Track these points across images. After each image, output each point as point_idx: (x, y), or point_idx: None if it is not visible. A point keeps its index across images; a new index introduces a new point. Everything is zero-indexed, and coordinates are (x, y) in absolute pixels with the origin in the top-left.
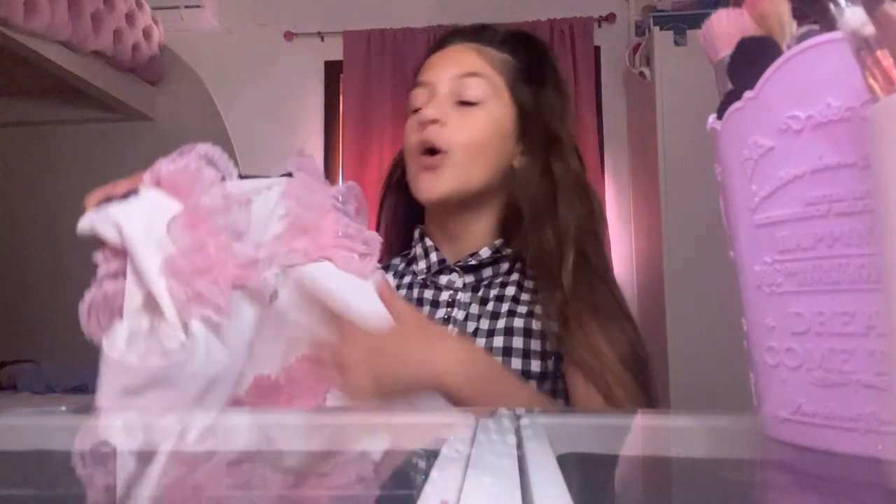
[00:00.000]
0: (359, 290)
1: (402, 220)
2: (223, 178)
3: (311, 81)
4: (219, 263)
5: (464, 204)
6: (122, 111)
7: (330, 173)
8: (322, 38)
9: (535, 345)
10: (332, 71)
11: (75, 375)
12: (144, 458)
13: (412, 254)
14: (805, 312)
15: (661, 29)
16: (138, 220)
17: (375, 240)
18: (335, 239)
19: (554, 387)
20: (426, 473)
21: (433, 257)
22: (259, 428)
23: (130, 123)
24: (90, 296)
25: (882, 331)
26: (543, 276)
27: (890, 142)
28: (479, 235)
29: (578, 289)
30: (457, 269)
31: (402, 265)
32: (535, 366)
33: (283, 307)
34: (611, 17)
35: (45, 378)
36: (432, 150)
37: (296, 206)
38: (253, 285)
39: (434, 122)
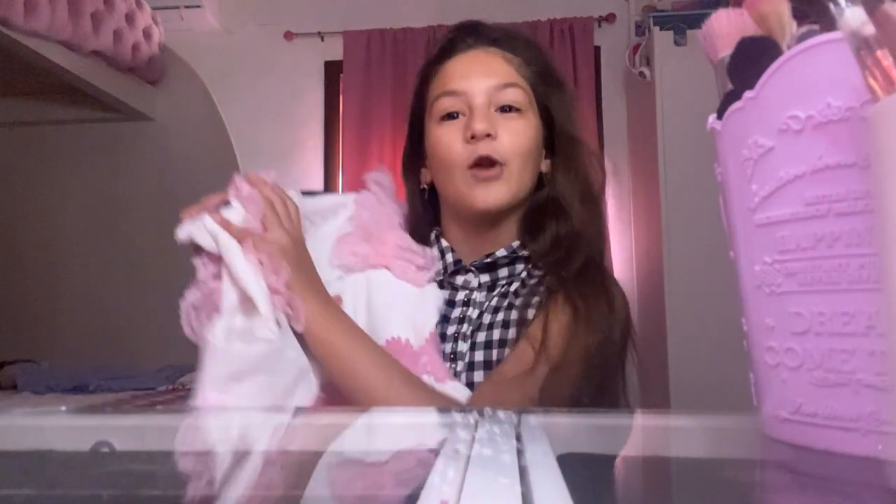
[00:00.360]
0: (410, 295)
1: (420, 227)
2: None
3: (311, 81)
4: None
5: (504, 211)
6: (122, 111)
7: (330, 173)
8: (322, 38)
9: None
10: (332, 71)
11: (75, 375)
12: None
13: (428, 254)
14: (805, 312)
15: (661, 29)
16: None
17: (433, 256)
18: (395, 250)
19: None
20: (426, 473)
21: (449, 258)
22: (259, 428)
23: (130, 123)
24: (191, 296)
25: (882, 331)
26: (551, 272)
27: (890, 142)
28: (502, 238)
29: (580, 284)
30: (472, 269)
31: None
32: None
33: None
34: (611, 17)
35: (45, 378)
36: (488, 163)
37: (364, 214)
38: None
39: (488, 136)
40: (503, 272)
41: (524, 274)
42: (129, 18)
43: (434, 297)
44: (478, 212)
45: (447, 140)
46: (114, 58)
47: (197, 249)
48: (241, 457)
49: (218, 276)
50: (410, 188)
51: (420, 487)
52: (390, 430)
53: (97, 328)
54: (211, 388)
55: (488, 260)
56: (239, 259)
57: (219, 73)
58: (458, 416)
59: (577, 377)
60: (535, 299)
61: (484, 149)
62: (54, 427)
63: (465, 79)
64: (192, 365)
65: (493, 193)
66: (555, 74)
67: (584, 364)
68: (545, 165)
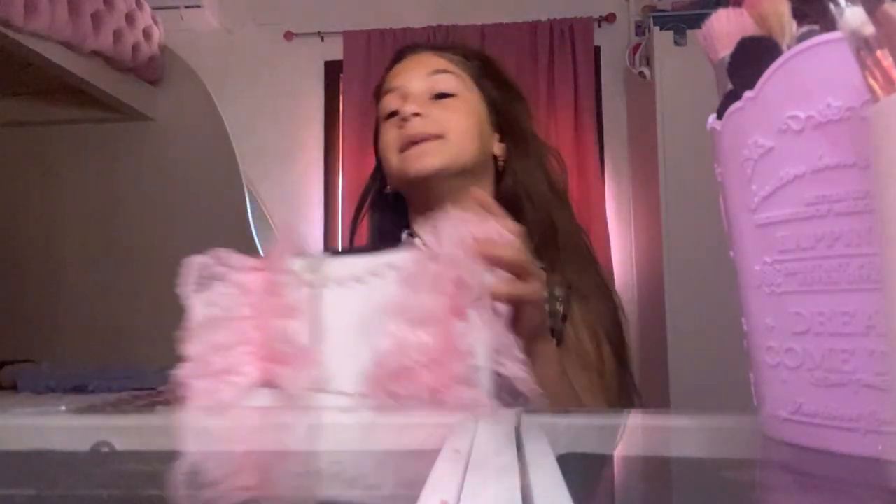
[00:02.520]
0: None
1: (390, 231)
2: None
3: (311, 81)
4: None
5: (452, 189)
6: (122, 111)
7: (330, 173)
8: (322, 38)
9: None
10: (332, 71)
11: (75, 375)
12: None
13: None
14: (805, 312)
15: (661, 29)
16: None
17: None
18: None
19: None
20: (426, 473)
21: None
22: (260, 428)
23: (130, 123)
24: None
25: (882, 331)
26: (546, 258)
27: (890, 142)
28: None
29: (575, 270)
30: None
31: None
32: None
33: None
34: (611, 17)
35: (45, 378)
36: (421, 138)
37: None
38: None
39: (416, 115)
40: None
41: None
42: (129, 18)
43: None
44: (416, 180)
45: (386, 134)
46: (114, 58)
47: None
48: (240, 456)
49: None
50: (376, 195)
51: (420, 487)
52: (390, 430)
53: (97, 328)
54: None
55: None
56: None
57: (219, 73)
58: (458, 416)
59: (615, 379)
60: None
61: (414, 128)
62: (54, 427)
63: (400, 75)
64: None
65: (428, 158)
66: (501, 75)
67: (617, 364)
68: (499, 148)
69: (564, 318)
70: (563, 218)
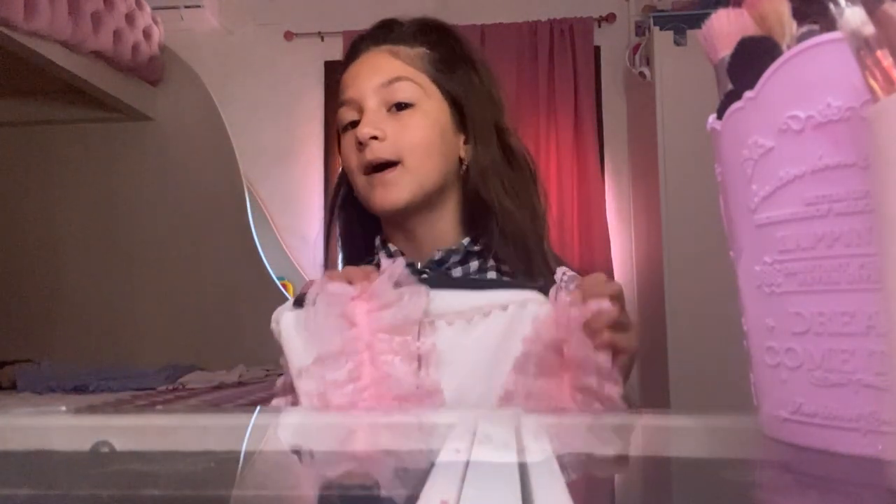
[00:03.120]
0: None
1: (360, 232)
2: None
3: (311, 81)
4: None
5: (421, 206)
6: (122, 111)
7: (330, 173)
8: (322, 38)
9: None
10: (332, 71)
11: (75, 375)
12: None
13: (375, 261)
14: (805, 312)
15: (661, 29)
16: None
17: None
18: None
19: None
20: (426, 473)
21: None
22: (260, 428)
23: (130, 123)
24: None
25: (882, 331)
26: (520, 264)
27: (890, 142)
28: (442, 233)
29: (533, 269)
30: (425, 271)
31: None
32: None
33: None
34: (611, 17)
35: (45, 378)
36: (381, 166)
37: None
38: None
39: (374, 138)
40: (457, 271)
41: (491, 274)
42: (129, 18)
43: None
44: (382, 213)
45: (346, 150)
46: (114, 58)
47: None
48: (242, 456)
49: None
50: (343, 197)
51: (420, 487)
52: (390, 429)
53: (97, 328)
54: None
55: (438, 257)
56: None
57: (219, 73)
58: (458, 416)
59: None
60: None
61: (370, 153)
62: (54, 427)
63: (354, 84)
64: (192, 365)
65: (392, 194)
66: (460, 54)
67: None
68: (464, 151)
69: None
70: (529, 213)
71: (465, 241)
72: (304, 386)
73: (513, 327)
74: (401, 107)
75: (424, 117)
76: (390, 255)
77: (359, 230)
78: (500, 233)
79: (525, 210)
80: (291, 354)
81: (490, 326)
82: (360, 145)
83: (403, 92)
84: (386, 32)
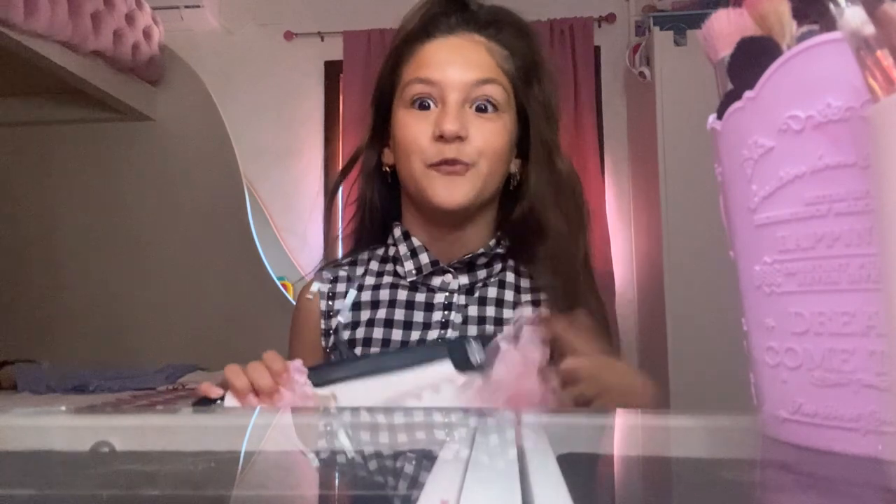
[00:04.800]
0: None
1: (379, 213)
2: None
3: (311, 81)
4: None
5: (464, 213)
6: (122, 111)
7: (330, 173)
8: (322, 38)
9: None
10: (332, 71)
11: (75, 375)
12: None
13: (392, 253)
14: (805, 312)
15: (661, 29)
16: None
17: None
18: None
19: None
20: (426, 473)
21: (424, 258)
22: (259, 428)
23: (130, 123)
24: None
25: (882, 331)
26: (548, 280)
27: (890, 142)
28: (475, 238)
29: (576, 293)
30: (451, 269)
31: (376, 263)
32: None
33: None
34: (611, 17)
35: (45, 378)
36: (454, 162)
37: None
38: None
39: (458, 137)
40: (482, 273)
41: (510, 276)
42: (129, 18)
43: None
44: (438, 209)
45: (415, 132)
46: (114, 58)
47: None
48: (242, 456)
49: None
50: (370, 169)
51: (420, 487)
52: (390, 429)
53: (97, 328)
54: None
55: (468, 258)
56: None
57: (219, 73)
58: (458, 416)
59: None
60: (512, 314)
61: (451, 151)
62: (54, 427)
63: (442, 68)
64: (192, 365)
65: (457, 191)
66: (541, 66)
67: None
68: (514, 165)
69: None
70: (574, 236)
71: (492, 242)
72: None
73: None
74: (483, 108)
75: (504, 125)
76: (413, 250)
77: (379, 212)
78: (546, 252)
79: (572, 232)
80: None
81: (439, 401)
82: (441, 138)
83: (493, 94)
84: (489, 23)
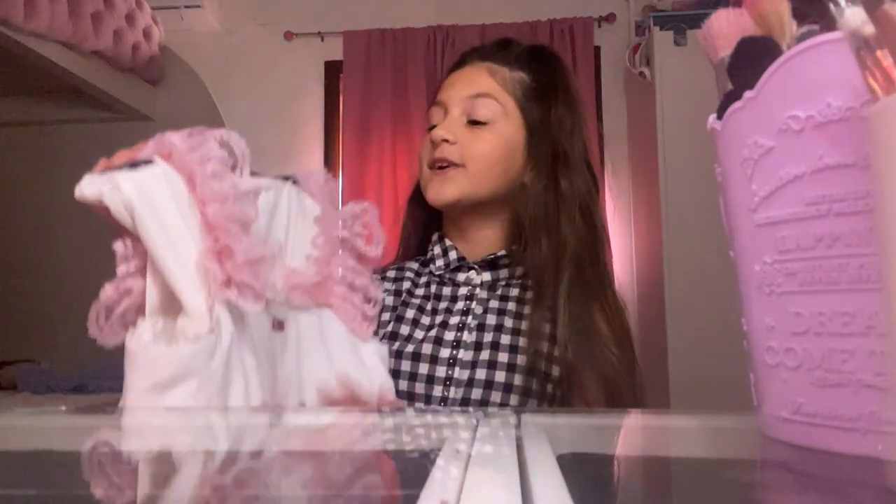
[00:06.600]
0: (355, 352)
1: (422, 228)
2: (234, 167)
3: (311, 81)
4: (226, 251)
5: (474, 210)
6: (122, 111)
7: (330, 173)
8: (322, 38)
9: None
10: (332, 71)
11: (75, 375)
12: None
13: (430, 255)
14: (805, 312)
15: (661, 29)
16: (154, 193)
17: (378, 302)
18: (341, 286)
19: (540, 404)
20: (426, 473)
21: (452, 255)
22: (259, 428)
23: (130, 123)
24: (104, 295)
25: (882, 331)
26: (536, 292)
27: (890, 142)
28: (490, 240)
29: (569, 308)
30: (475, 266)
31: (418, 266)
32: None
33: (290, 342)
34: (611, 17)
35: (45, 378)
36: (445, 164)
37: (327, 231)
38: (257, 285)
39: (445, 141)
40: (503, 272)
41: (525, 279)
42: (129, 18)
43: (379, 356)
44: (433, 204)
45: (422, 147)
46: (114, 58)
47: (118, 226)
48: (239, 457)
49: (142, 270)
50: (413, 190)
51: (420, 487)
52: (391, 429)
53: None
54: (137, 401)
55: (491, 258)
56: (160, 237)
57: (219, 73)
58: (458, 416)
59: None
60: (529, 310)
61: (439, 152)
62: (54, 427)
63: (447, 90)
64: None
65: (445, 189)
66: (556, 88)
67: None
68: (528, 177)
69: (547, 377)
70: (580, 243)
71: (514, 246)
72: None
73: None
74: (476, 122)
75: (496, 135)
76: (444, 249)
77: (422, 227)
78: (531, 260)
79: (579, 248)
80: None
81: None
82: (433, 144)
83: (484, 108)
84: (495, 50)
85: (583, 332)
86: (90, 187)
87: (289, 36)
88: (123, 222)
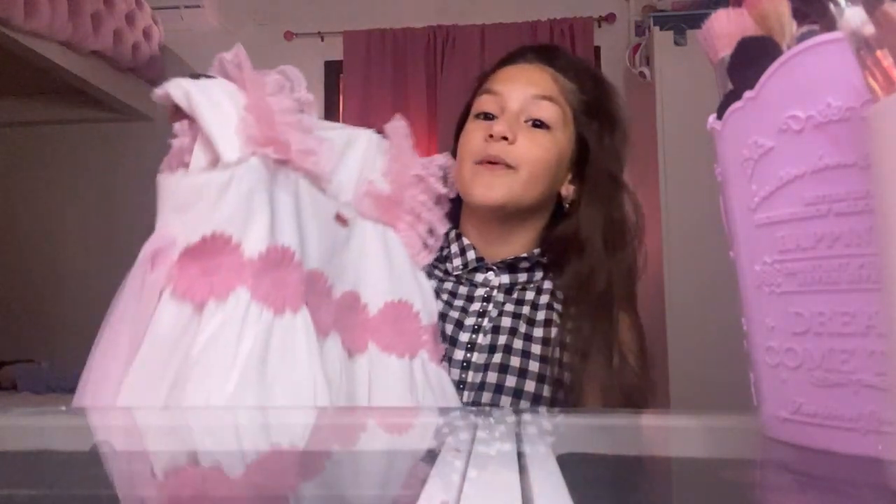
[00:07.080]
0: (414, 276)
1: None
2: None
3: (311, 81)
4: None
5: (510, 213)
6: (122, 111)
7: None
8: (322, 38)
9: (535, 367)
10: (332, 71)
11: (75, 375)
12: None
13: (444, 252)
14: (805, 312)
15: (661, 29)
16: (210, 93)
17: (440, 236)
18: (409, 214)
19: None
20: (426, 473)
21: (470, 255)
22: (259, 427)
23: (130, 123)
24: (168, 157)
25: (882, 331)
26: (564, 305)
27: (890, 142)
28: (518, 244)
29: (594, 323)
30: (493, 268)
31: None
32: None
33: (354, 240)
34: (611, 17)
35: (45, 378)
36: (497, 161)
37: (395, 165)
38: (310, 169)
39: (505, 138)
40: (522, 276)
41: (547, 284)
42: (129, 18)
43: (429, 287)
44: (477, 205)
45: (472, 136)
46: (114, 58)
47: (176, 113)
48: (241, 456)
49: (191, 147)
50: None
51: (420, 487)
52: (391, 429)
53: (97, 328)
54: (164, 225)
55: (511, 260)
56: (212, 115)
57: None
58: (458, 417)
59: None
60: (543, 315)
61: (496, 149)
62: (54, 427)
63: (506, 83)
64: None
65: (495, 189)
66: (608, 112)
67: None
68: (567, 189)
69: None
70: (612, 266)
71: (536, 251)
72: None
73: None
74: (538, 124)
75: (553, 142)
76: (462, 248)
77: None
78: (576, 277)
79: (615, 265)
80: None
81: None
82: (490, 137)
83: (547, 111)
84: (552, 56)
85: (605, 348)
86: (160, 90)
87: (289, 36)
88: (181, 105)
